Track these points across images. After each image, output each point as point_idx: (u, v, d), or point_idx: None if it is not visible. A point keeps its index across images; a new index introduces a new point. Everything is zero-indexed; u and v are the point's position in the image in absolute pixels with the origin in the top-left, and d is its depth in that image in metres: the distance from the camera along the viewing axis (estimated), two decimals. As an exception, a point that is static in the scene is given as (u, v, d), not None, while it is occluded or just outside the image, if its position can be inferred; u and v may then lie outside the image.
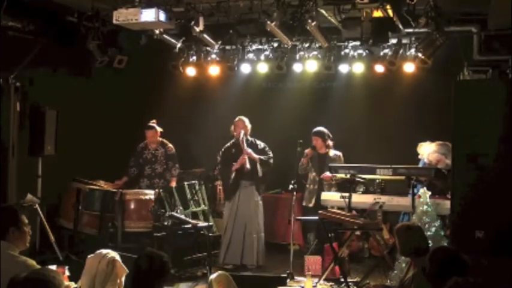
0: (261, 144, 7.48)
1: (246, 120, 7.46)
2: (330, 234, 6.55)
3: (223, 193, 7.96)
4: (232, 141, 7.48)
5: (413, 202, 6.40)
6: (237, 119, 7.47)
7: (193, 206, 7.51)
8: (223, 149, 7.51)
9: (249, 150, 7.29)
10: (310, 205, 7.54)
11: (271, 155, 7.44)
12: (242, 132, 7.32)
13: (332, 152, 7.64)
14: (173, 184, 7.64)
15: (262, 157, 7.35)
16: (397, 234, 4.53)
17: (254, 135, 7.53)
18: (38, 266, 3.45)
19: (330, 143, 7.65)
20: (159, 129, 7.78)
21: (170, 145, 7.87)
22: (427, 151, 7.15)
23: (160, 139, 7.85)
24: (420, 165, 7.32)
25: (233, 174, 7.32)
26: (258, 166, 7.30)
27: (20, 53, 6.66)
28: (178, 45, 7.22)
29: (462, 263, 3.44)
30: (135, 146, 7.94)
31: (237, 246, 7.22)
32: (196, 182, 7.62)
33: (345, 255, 6.63)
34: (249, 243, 7.23)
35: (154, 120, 7.84)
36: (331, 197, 7.27)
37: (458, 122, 5.35)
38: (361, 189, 7.10)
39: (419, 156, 7.32)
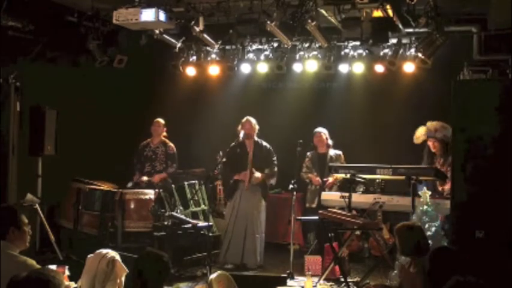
0: (267, 146, 7.41)
1: (253, 121, 7.37)
2: (330, 234, 6.55)
3: (224, 192, 7.95)
4: (238, 140, 7.42)
5: (414, 202, 6.40)
6: (244, 119, 7.37)
7: (193, 206, 7.50)
8: (228, 148, 7.42)
9: (257, 175, 7.24)
10: (313, 206, 7.52)
11: (275, 161, 7.39)
12: (242, 133, 7.28)
13: (332, 152, 7.63)
14: (156, 180, 7.57)
15: (267, 172, 7.33)
16: (397, 234, 4.54)
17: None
18: (38, 266, 3.45)
19: (330, 142, 7.65)
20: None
21: (172, 145, 7.86)
22: (422, 130, 7.10)
23: (164, 138, 7.86)
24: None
25: (233, 179, 7.33)
26: (265, 180, 7.32)
27: (20, 52, 6.67)
28: (178, 45, 7.23)
29: (462, 263, 3.44)
30: (134, 146, 7.94)
31: (238, 246, 7.20)
32: (196, 182, 7.61)
33: (345, 255, 6.64)
34: (250, 243, 7.21)
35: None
36: (331, 197, 7.25)
37: (458, 122, 5.35)
38: (361, 189, 7.09)
39: (415, 140, 7.21)
